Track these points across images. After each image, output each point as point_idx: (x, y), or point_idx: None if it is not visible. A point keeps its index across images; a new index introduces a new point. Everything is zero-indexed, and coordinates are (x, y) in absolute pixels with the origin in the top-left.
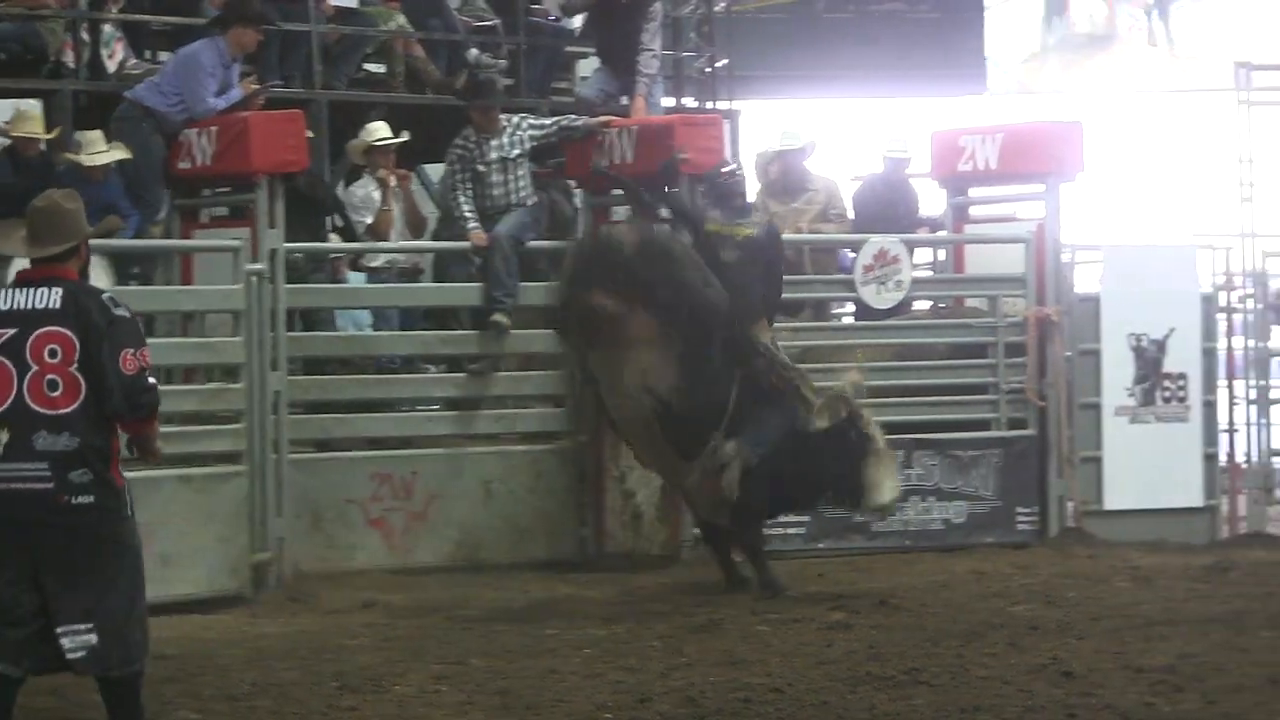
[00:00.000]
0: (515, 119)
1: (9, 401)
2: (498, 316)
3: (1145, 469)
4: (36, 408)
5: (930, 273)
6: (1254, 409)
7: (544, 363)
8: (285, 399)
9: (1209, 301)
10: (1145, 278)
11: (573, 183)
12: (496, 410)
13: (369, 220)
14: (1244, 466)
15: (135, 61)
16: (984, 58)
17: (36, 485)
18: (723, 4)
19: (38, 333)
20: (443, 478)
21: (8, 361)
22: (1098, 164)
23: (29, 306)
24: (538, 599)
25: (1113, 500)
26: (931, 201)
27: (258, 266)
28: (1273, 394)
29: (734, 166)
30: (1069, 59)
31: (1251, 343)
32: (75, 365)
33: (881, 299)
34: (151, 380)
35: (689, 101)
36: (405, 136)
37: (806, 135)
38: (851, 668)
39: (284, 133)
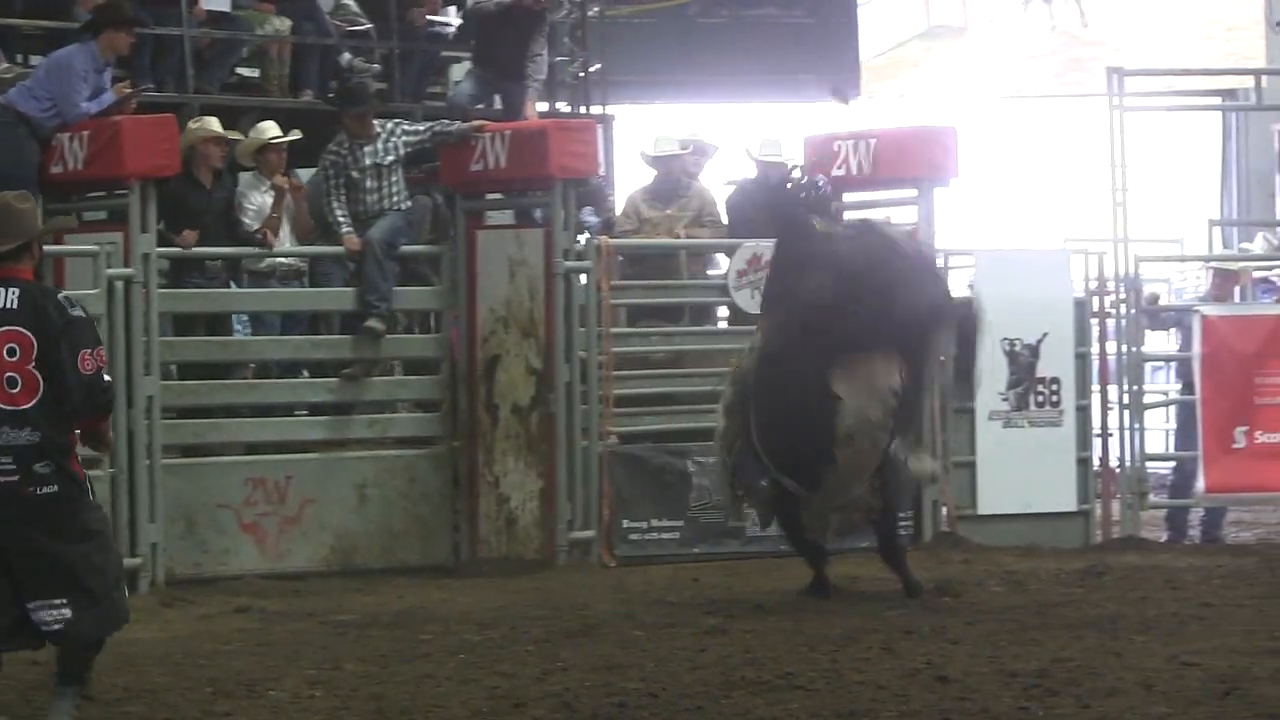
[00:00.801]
0: (389, 125)
1: None
2: (372, 322)
3: (1019, 473)
4: None
5: None
6: (1127, 414)
7: (419, 367)
8: (158, 404)
9: (1082, 306)
10: (1019, 282)
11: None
12: (371, 415)
13: (255, 225)
14: (1117, 471)
15: (7, 65)
16: (858, 63)
17: (1, 478)
18: (596, 9)
19: None
20: (317, 482)
21: None
22: (971, 169)
23: None
24: (412, 604)
25: (987, 504)
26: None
27: (126, 271)
28: (1146, 399)
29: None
30: (926, 49)
31: (1124, 347)
32: (33, 363)
33: (756, 303)
34: (108, 379)
35: (562, 106)
36: (296, 135)
37: (697, 140)
38: (726, 672)
39: (156, 137)
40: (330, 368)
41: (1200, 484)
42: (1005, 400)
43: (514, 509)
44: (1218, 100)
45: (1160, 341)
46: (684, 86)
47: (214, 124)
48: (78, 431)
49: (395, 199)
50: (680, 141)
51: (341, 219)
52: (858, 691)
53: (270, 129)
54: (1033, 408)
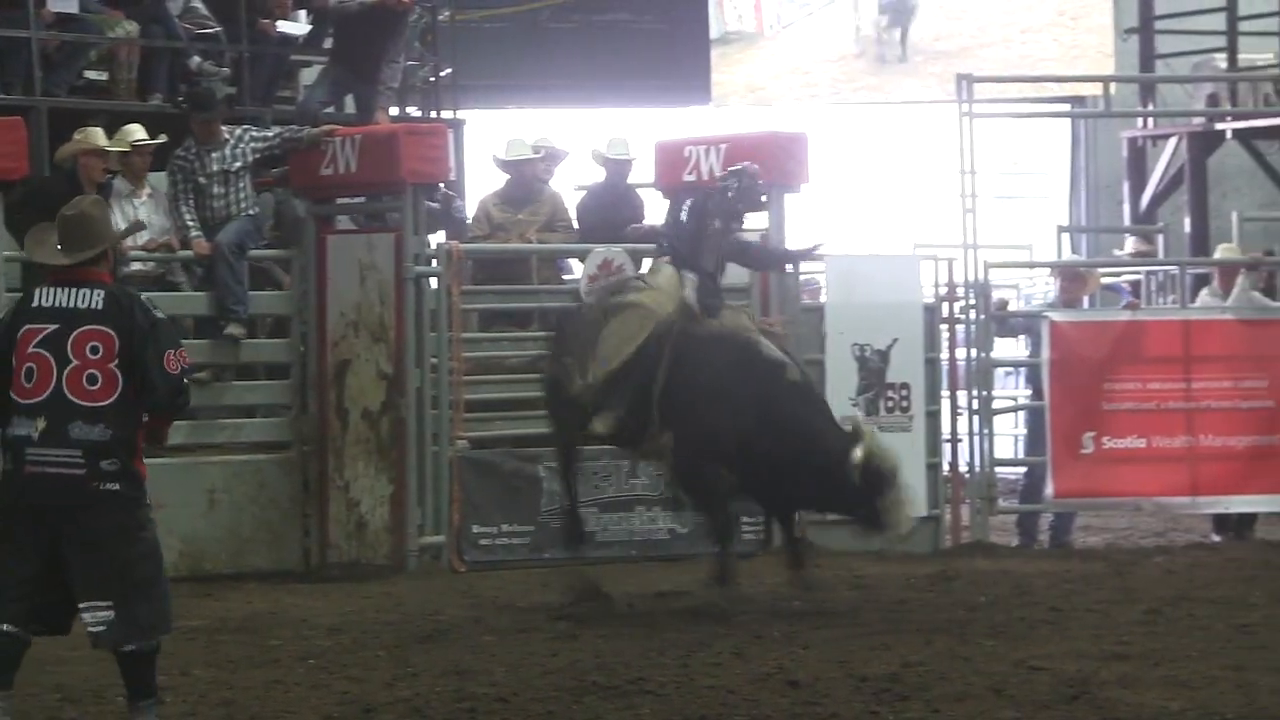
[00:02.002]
0: (238, 131)
1: (48, 392)
2: (231, 328)
3: None
4: (75, 399)
5: None
6: (976, 419)
7: (269, 372)
8: None
9: (932, 312)
10: (868, 288)
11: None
12: (221, 420)
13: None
14: (967, 476)
15: None
16: (709, 69)
17: (69, 470)
18: (446, 13)
19: (79, 330)
20: (166, 487)
21: (48, 354)
22: (822, 174)
23: (70, 305)
24: (261, 609)
25: None
26: (656, 211)
27: None
28: (995, 404)
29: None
30: (720, 55)
31: (974, 353)
32: (115, 362)
33: None
34: (187, 380)
35: (413, 111)
36: (163, 139)
37: (548, 145)
38: (577, 677)
39: (3, 140)
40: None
41: (1049, 489)
42: (855, 406)
43: (364, 514)
44: (1066, 107)
45: (1010, 347)
46: (535, 91)
47: (98, 137)
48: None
49: (243, 205)
50: (533, 146)
51: (190, 223)
52: (708, 696)
53: (136, 131)
54: (882, 413)
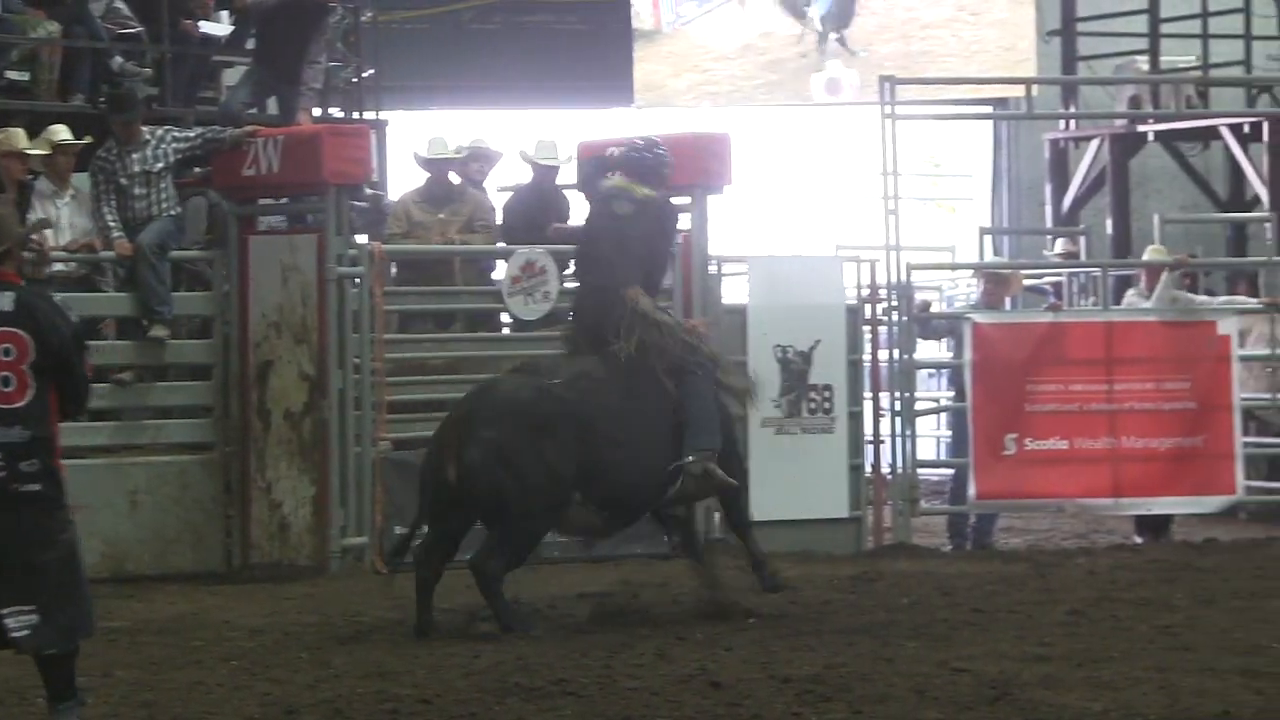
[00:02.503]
0: (159, 132)
1: None
2: (156, 330)
3: (791, 480)
4: None
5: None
6: (899, 421)
7: (192, 373)
8: None
9: (854, 313)
10: (791, 290)
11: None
12: (143, 421)
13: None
14: (889, 478)
15: None
16: (632, 70)
17: None
18: (369, 14)
19: None
20: (89, 488)
21: None
22: (745, 176)
23: None
24: (183, 610)
25: (759, 511)
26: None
27: None
28: (917, 406)
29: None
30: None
31: (896, 354)
32: (28, 364)
33: (529, 310)
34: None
35: (336, 112)
36: (87, 139)
37: (481, 146)
38: (499, 679)
39: None
40: (105, 374)
41: (971, 491)
42: (778, 407)
43: (287, 515)
44: (989, 109)
45: (932, 349)
46: (458, 92)
47: (19, 138)
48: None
49: (165, 205)
50: (467, 147)
51: (112, 224)
52: (631, 697)
53: (60, 132)
54: (805, 415)
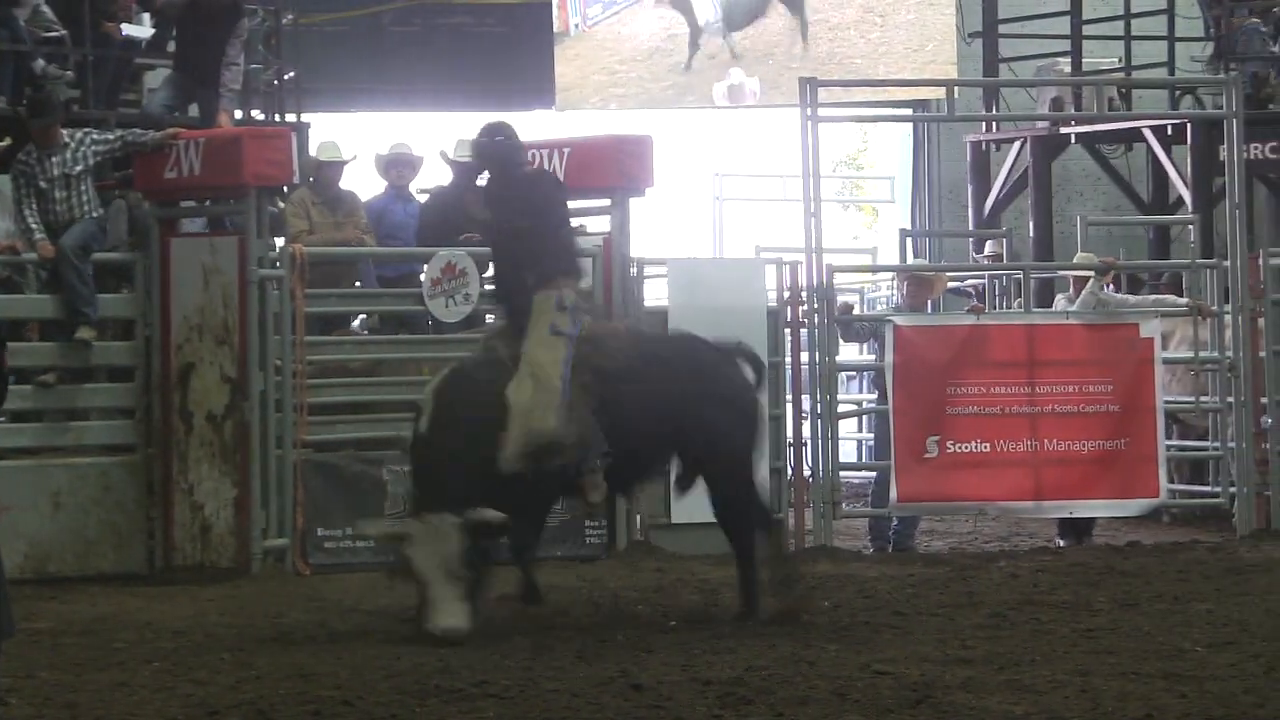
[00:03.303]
0: (79, 134)
1: None
2: (82, 332)
3: None
4: None
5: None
6: (820, 423)
7: (114, 375)
8: None
9: (775, 316)
10: (712, 292)
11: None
12: (65, 422)
13: None
14: (811, 480)
15: None
16: (553, 73)
17: None
18: (290, 16)
19: None
20: (11, 489)
21: None
22: (667, 178)
23: None
24: (106, 612)
25: (680, 514)
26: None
27: None
28: (839, 409)
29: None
30: None
31: (818, 357)
32: None
33: (450, 312)
34: (10, 377)
35: (257, 114)
36: (8, 141)
37: (403, 150)
38: (421, 680)
39: None
40: (28, 375)
41: (893, 494)
42: None
43: (208, 517)
44: (909, 111)
45: (854, 351)
46: (379, 95)
47: None
48: None
49: (87, 208)
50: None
51: (34, 225)
52: (552, 700)
53: None
54: None
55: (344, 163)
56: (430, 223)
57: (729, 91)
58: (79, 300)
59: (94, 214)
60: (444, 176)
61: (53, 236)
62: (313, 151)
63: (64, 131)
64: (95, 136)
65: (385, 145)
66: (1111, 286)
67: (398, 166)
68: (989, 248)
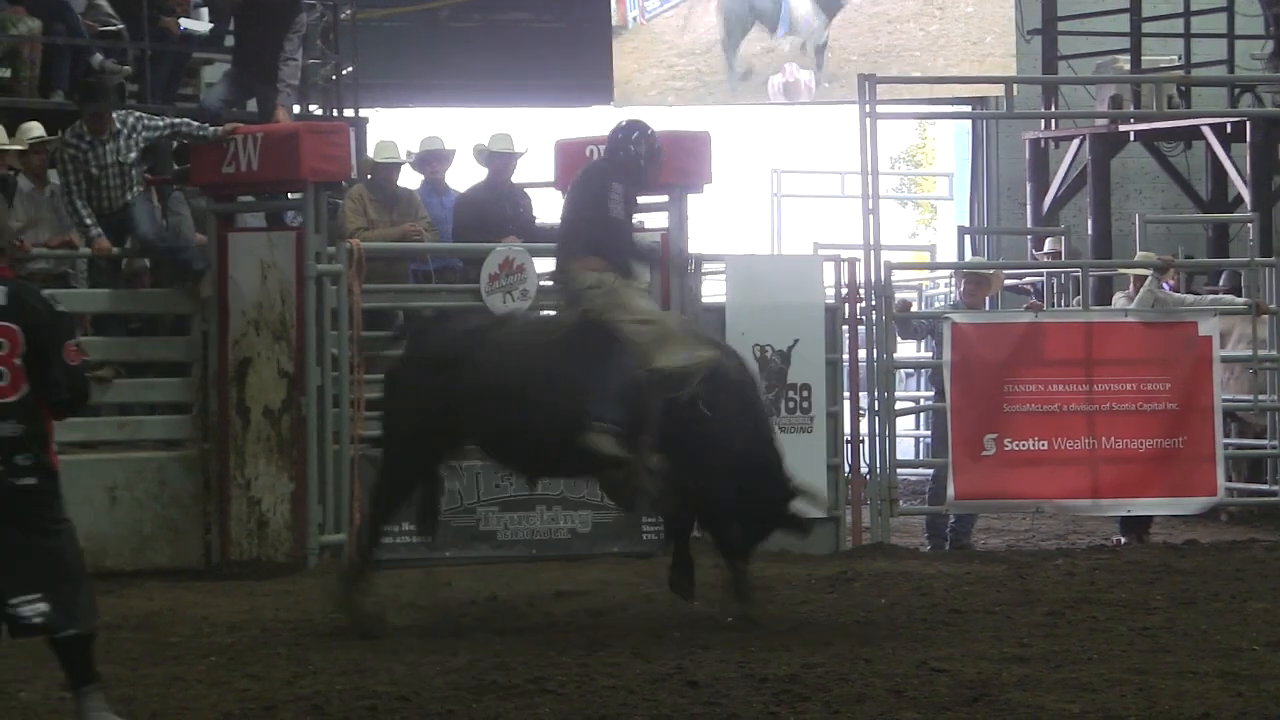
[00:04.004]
0: (130, 119)
1: None
2: (103, 371)
3: None
4: None
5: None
6: (878, 420)
7: (170, 369)
8: None
9: (833, 313)
10: (770, 289)
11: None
12: (121, 416)
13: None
14: (868, 478)
15: None
16: (611, 69)
17: None
18: (348, 11)
19: None
20: (68, 483)
21: None
22: (725, 174)
23: None
24: (162, 606)
25: None
26: (548, 209)
27: None
28: (896, 406)
29: None
30: None
31: (875, 354)
32: (20, 358)
33: (508, 308)
34: (86, 374)
35: (315, 109)
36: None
37: (435, 145)
38: (477, 676)
39: None
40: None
41: (950, 491)
42: None
43: (265, 512)
44: (968, 108)
45: (911, 349)
46: (437, 90)
47: None
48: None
49: (134, 193)
50: (408, 151)
51: (88, 221)
52: (607, 696)
53: (34, 129)
54: (784, 414)
55: (400, 163)
56: (466, 224)
57: (784, 88)
58: (189, 264)
59: (139, 189)
60: (477, 173)
61: (104, 223)
62: (370, 152)
63: (115, 117)
64: (146, 122)
65: (421, 142)
66: (1172, 285)
67: (431, 162)
68: (1048, 245)
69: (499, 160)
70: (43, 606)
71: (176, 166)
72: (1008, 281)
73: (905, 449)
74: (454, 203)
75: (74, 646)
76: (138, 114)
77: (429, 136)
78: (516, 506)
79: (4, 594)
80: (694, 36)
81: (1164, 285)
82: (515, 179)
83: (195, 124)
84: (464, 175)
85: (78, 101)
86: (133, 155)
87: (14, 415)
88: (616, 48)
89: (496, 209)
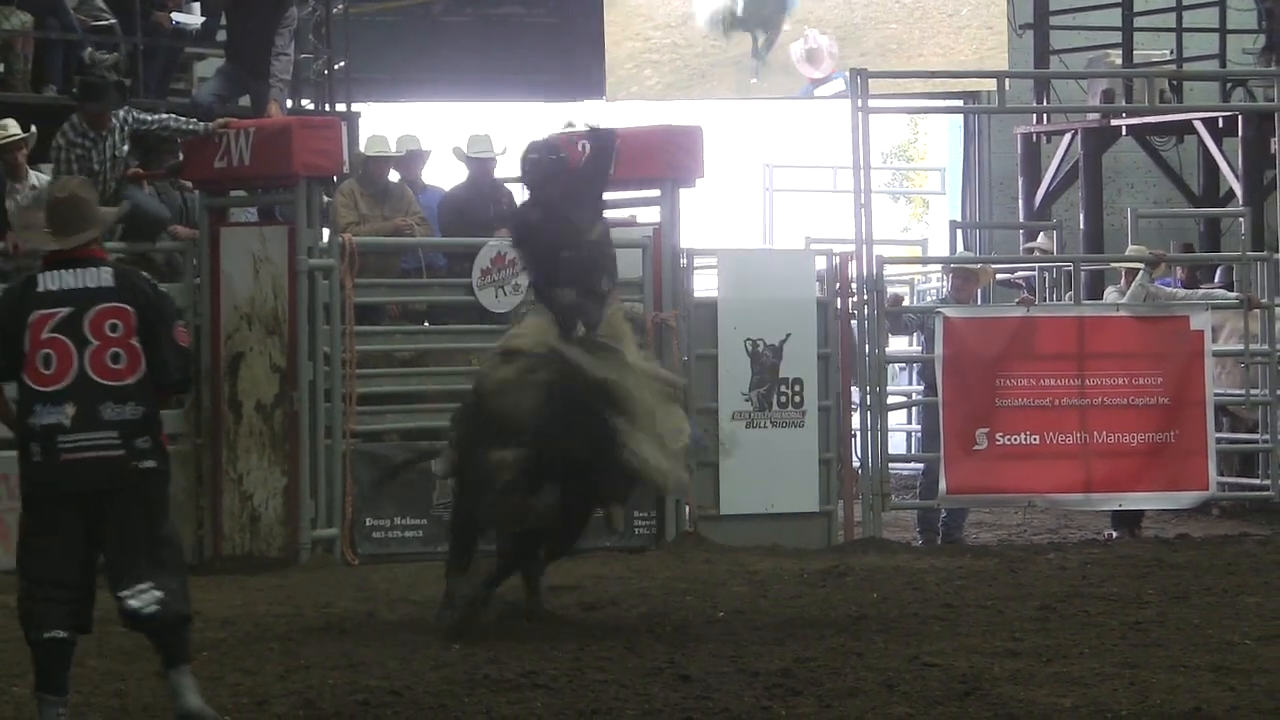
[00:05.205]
0: (121, 114)
1: (71, 376)
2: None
3: (761, 473)
4: (101, 380)
5: None
6: (870, 415)
7: None
8: None
9: (825, 307)
10: (762, 283)
11: (190, 184)
12: None
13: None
14: (860, 472)
15: None
16: (604, 63)
17: (108, 453)
18: (340, 6)
19: (96, 309)
20: None
21: (65, 339)
22: (717, 169)
23: (81, 286)
24: None
25: (729, 504)
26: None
27: None
28: (888, 400)
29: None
30: None
31: (867, 349)
32: (135, 338)
33: (500, 303)
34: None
35: (307, 104)
36: (33, 130)
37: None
38: (469, 670)
39: None
40: None
41: (942, 485)
42: (748, 400)
43: (257, 506)
44: (960, 102)
45: (903, 343)
46: (429, 85)
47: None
48: None
49: (121, 185)
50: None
51: None
52: (600, 690)
53: (10, 126)
54: (775, 408)
55: (391, 157)
56: (449, 223)
57: (808, 54)
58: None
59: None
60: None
61: None
62: (361, 146)
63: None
64: (136, 115)
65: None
66: (1180, 280)
67: (407, 161)
68: (1041, 239)
69: (478, 162)
70: (156, 594)
71: (168, 163)
72: (999, 276)
73: (897, 443)
74: (437, 202)
75: (177, 627)
76: (128, 107)
77: (405, 135)
78: None
79: (117, 585)
80: (669, 9)
81: (1166, 280)
82: (500, 174)
83: (184, 119)
84: (449, 172)
85: (78, 99)
86: (125, 148)
87: (133, 397)
88: (612, 30)
89: (479, 209)
